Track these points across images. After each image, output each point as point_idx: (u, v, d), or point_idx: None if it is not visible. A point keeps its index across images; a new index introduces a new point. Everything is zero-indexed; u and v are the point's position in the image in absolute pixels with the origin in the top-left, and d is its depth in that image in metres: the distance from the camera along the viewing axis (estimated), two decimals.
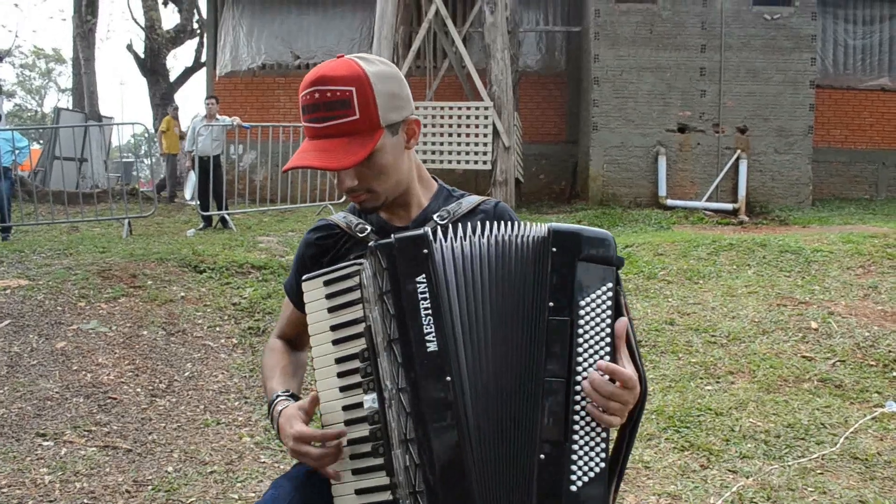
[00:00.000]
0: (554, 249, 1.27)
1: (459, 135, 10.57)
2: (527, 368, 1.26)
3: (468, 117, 10.57)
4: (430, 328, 1.24)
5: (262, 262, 6.32)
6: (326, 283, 1.37)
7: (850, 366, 4.51)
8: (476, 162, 10.55)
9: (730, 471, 3.33)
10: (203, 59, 18.14)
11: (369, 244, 1.31)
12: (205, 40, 17.21)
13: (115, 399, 4.06)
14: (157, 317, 5.07)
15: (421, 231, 1.29)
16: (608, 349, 1.25)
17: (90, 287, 5.36)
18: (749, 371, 4.49)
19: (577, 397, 1.24)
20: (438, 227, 1.37)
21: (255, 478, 3.31)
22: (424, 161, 10.08)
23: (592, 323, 1.26)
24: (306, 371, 1.66)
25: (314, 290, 1.39)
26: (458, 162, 10.58)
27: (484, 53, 11.22)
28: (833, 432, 3.69)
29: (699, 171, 12.07)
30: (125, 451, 3.54)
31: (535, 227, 1.31)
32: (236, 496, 3.13)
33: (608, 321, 1.26)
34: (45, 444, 3.54)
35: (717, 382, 4.36)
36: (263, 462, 3.50)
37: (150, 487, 3.19)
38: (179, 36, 19.48)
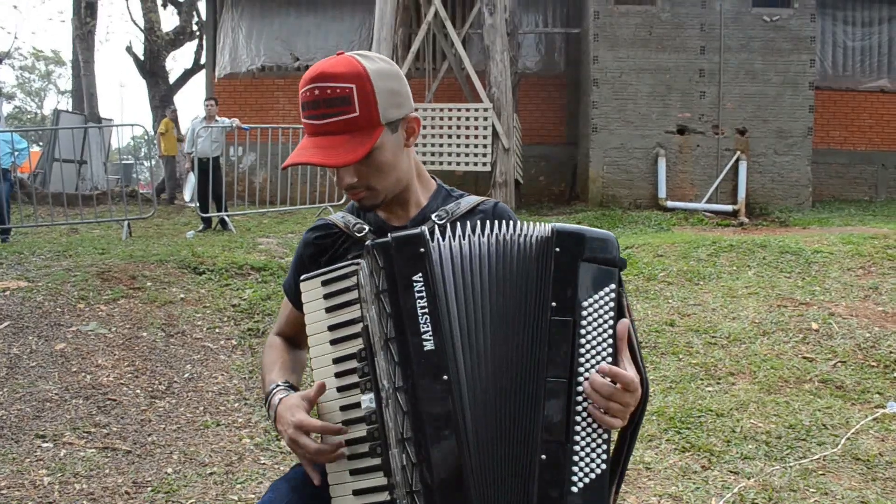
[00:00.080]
0: (557, 249, 1.26)
1: (459, 136, 10.57)
2: (527, 368, 1.25)
3: (467, 119, 10.56)
4: (427, 327, 1.23)
5: (262, 264, 6.31)
6: (324, 283, 1.37)
7: (851, 367, 4.50)
8: (475, 164, 10.55)
9: (731, 472, 3.32)
10: (202, 60, 18.14)
11: (366, 243, 1.30)
12: (204, 42, 17.21)
13: (114, 400, 4.05)
14: (156, 318, 5.06)
15: (418, 230, 1.29)
16: (610, 350, 1.25)
17: (89, 289, 5.35)
18: (750, 372, 4.48)
19: (579, 398, 1.23)
20: (436, 227, 1.36)
21: (254, 479, 3.29)
22: (424, 163, 10.06)
23: (595, 324, 1.25)
24: (305, 369, 1.65)
25: (312, 291, 1.39)
26: (458, 164, 10.57)
27: (483, 55, 11.22)
28: (834, 433, 3.68)
29: (699, 173, 12.07)
30: (124, 452, 3.53)
31: (538, 227, 1.30)
32: (236, 497, 3.12)
33: (610, 322, 1.26)
34: (45, 445, 3.53)
35: (718, 383, 4.36)
36: (263, 464, 3.49)
37: (149, 489, 3.18)
38: (179, 38, 19.48)
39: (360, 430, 1.29)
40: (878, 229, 8.16)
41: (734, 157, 11.94)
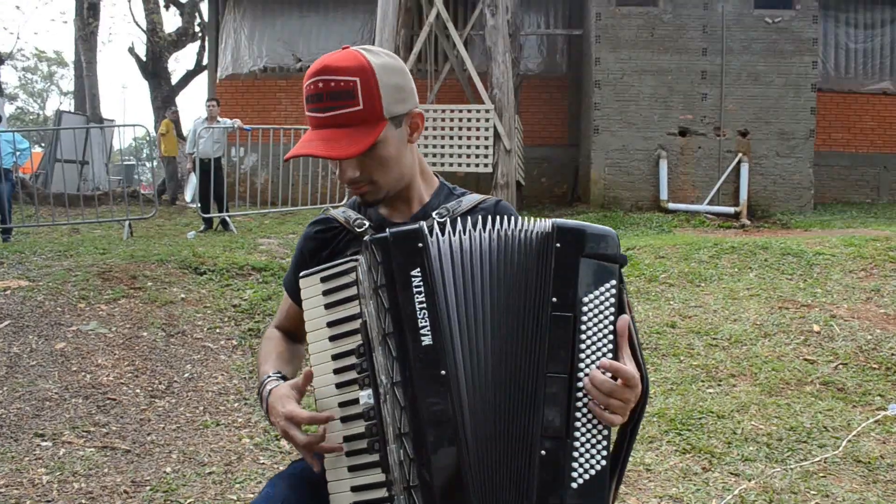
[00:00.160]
0: (558, 245, 1.25)
1: (460, 137, 10.56)
2: (527, 364, 1.24)
3: (469, 120, 10.56)
4: (425, 322, 1.22)
5: (263, 264, 6.30)
6: (323, 280, 1.36)
7: (852, 369, 4.49)
8: (477, 165, 10.54)
9: (732, 473, 3.31)
10: (205, 62, 18.16)
11: (364, 238, 1.30)
12: (206, 43, 17.23)
13: (114, 400, 4.04)
14: (156, 318, 5.05)
15: (416, 225, 1.28)
16: (610, 346, 1.24)
17: (90, 288, 5.35)
18: (751, 374, 4.47)
19: (579, 394, 1.22)
20: (436, 223, 1.35)
21: (253, 479, 3.29)
22: None
23: (595, 320, 1.24)
24: (303, 363, 1.64)
25: (311, 287, 1.38)
26: (459, 164, 10.57)
27: (485, 56, 11.21)
28: (836, 435, 3.67)
29: (700, 175, 12.06)
30: (124, 451, 3.52)
31: (539, 223, 1.30)
32: (235, 497, 3.12)
33: (611, 318, 1.25)
34: (44, 444, 3.52)
35: (719, 385, 4.34)
36: (263, 463, 3.48)
37: (148, 488, 3.18)
38: (181, 39, 19.49)
39: (359, 427, 1.29)
40: (880, 231, 8.14)
41: (736, 159, 11.92)
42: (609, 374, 1.21)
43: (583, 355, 1.23)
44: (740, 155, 11.94)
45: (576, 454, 1.21)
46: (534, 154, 13.79)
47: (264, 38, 14.62)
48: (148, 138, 13.37)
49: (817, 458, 3.42)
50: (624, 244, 7.38)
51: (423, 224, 1.28)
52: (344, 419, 1.31)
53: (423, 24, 11.14)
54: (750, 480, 3.22)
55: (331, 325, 1.34)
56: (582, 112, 13.44)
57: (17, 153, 9.84)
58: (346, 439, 1.30)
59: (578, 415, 1.22)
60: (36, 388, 4.05)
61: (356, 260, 1.32)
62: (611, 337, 1.25)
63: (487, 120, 10.47)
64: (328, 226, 1.57)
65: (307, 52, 14.50)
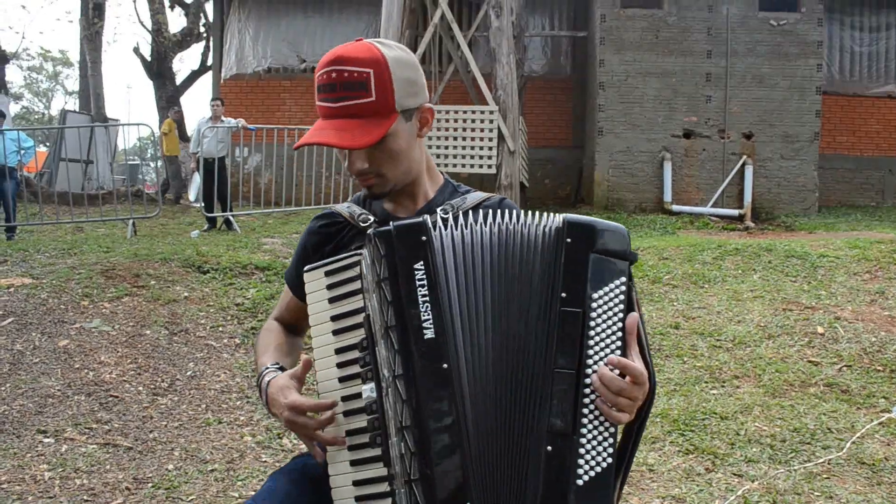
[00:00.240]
0: (568, 240, 1.25)
1: (464, 139, 10.56)
2: (533, 358, 1.23)
3: (473, 121, 10.55)
4: (428, 315, 1.22)
5: (266, 264, 6.31)
6: (327, 274, 1.36)
7: (856, 371, 4.47)
8: (481, 166, 10.54)
9: (735, 474, 3.29)
10: (209, 62, 18.19)
11: (367, 232, 1.29)
12: (211, 44, 17.25)
13: (116, 397, 4.04)
14: (160, 316, 5.05)
15: (420, 219, 1.27)
16: (619, 343, 1.23)
17: (94, 286, 5.35)
18: (755, 375, 4.46)
19: (587, 390, 1.21)
20: (440, 218, 1.35)
21: (255, 476, 3.28)
22: None
23: (604, 316, 1.23)
24: (301, 356, 1.64)
25: (315, 281, 1.38)
26: (463, 165, 10.56)
27: (489, 58, 11.20)
28: (840, 437, 3.65)
29: (705, 177, 12.04)
30: (126, 448, 3.52)
31: (549, 218, 1.29)
32: (237, 494, 3.11)
33: (620, 315, 1.24)
34: (46, 440, 3.52)
35: (723, 386, 4.33)
36: (265, 461, 3.47)
37: (150, 485, 3.17)
38: (186, 39, 19.53)
39: (361, 421, 1.28)
40: (884, 234, 8.12)
41: (740, 162, 11.91)
42: (617, 371, 1.20)
43: (591, 352, 1.22)
44: (745, 157, 11.92)
45: (582, 451, 1.20)
46: (538, 155, 13.78)
47: (269, 38, 14.64)
48: (152, 138, 13.38)
49: (821, 460, 3.41)
50: None
51: (427, 217, 1.28)
52: (346, 413, 1.30)
53: (428, 26, 11.14)
54: (753, 481, 3.21)
55: (334, 319, 1.34)
56: (586, 114, 13.43)
57: (22, 151, 9.86)
58: (349, 433, 1.30)
59: (585, 411, 1.21)
60: (39, 385, 4.05)
61: (360, 254, 1.31)
62: (619, 334, 1.24)
63: (491, 121, 10.46)
64: (332, 220, 1.56)
65: (312, 52, 14.51)
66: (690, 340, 4.99)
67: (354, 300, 1.32)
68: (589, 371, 1.22)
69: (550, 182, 14.04)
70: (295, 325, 1.63)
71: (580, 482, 1.19)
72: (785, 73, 12.00)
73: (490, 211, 1.31)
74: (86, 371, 4.27)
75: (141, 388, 4.18)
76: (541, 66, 14.38)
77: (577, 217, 1.27)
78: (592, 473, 1.20)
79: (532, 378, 1.23)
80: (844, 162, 13.63)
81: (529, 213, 1.31)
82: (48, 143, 21.41)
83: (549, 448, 1.20)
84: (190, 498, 3.08)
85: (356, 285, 1.31)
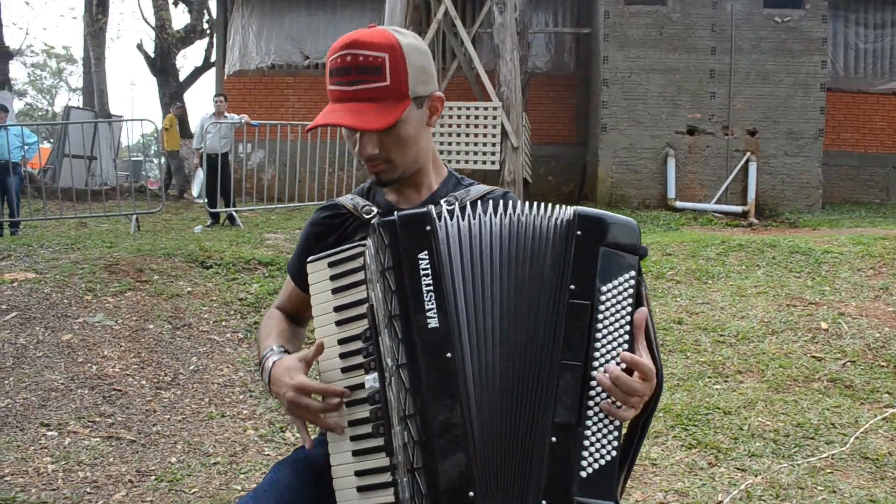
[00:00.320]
0: (579, 233, 1.24)
1: (468, 135, 10.55)
2: (540, 350, 1.23)
3: (477, 117, 10.54)
4: (432, 305, 1.21)
5: (269, 259, 6.31)
6: (331, 265, 1.36)
7: (860, 366, 4.46)
8: (484, 162, 10.53)
9: (738, 469, 3.29)
10: (213, 58, 18.20)
11: (372, 221, 1.29)
12: (214, 40, 17.26)
13: (119, 391, 4.05)
14: (163, 311, 5.06)
15: (424, 209, 1.27)
16: (626, 338, 1.23)
17: (97, 281, 5.36)
18: (758, 370, 4.45)
19: (593, 383, 1.21)
20: (444, 208, 1.34)
21: (258, 470, 3.29)
22: None
23: (613, 310, 1.23)
24: (302, 346, 1.64)
25: (318, 272, 1.37)
26: (467, 161, 10.55)
27: (493, 54, 11.18)
28: (843, 432, 3.64)
29: (708, 174, 12.01)
30: (129, 441, 3.53)
31: (559, 210, 1.28)
32: (239, 487, 3.11)
33: (628, 309, 1.24)
34: (49, 433, 3.53)
35: (726, 381, 4.32)
36: (267, 455, 3.48)
37: (152, 478, 3.18)
38: (189, 36, 19.56)
39: (364, 411, 1.28)
40: (889, 230, 8.10)
41: (744, 158, 11.88)
42: (623, 366, 1.20)
43: (598, 345, 1.22)
44: (748, 154, 11.89)
45: (586, 443, 1.20)
46: (541, 152, 13.77)
47: (272, 35, 14.64)
48: (155, 135, 13.39)
49: (824, 455, 3.40)
50: None
51: (432, 207, 1.27)
52: (349, 404, 1.30)
53: (431, 22, 11.12)
54: (756, 476, 3.20)
55: (337, 309, 1.33)
56: (590, 110, 13.41)
57: (26, 147, 9.88)
58: (351, 424, 1.29)
59: (591, 403, 1.21)
60: (42, 379, 4.06)
61: (364, 245, 1.31)
62: (627, 328, 1.23)
63: (495, 117, 10.45)
64: (336, 212, 1.56)
65: (315, 49, 14.51)
66: (694, 336, 4.98)
67: (358, 291, 1.31)
68: (596, 364, 1.21)
69: (554, 179, 14.02)
70: (297, 315, 1.63)
71: (584, 474, 1.19)
72: (789, 69, 11.97)
73: (501, 202, 1.31)
74: (89, 365, 4.28)
75: (144, 382, 4.19)
76: (544, 62, 14.36)
77: (588, 210, 1.27)
78: (596, 466, 1.20)
79: (538, 369, 1.22)
80: (849, 159, 13.59)
81: (540, 204, 1.31)
82: (52, 140, 21.43)
83: (554, 439, 1.19)
84: (193, 490, 3.08)
85: (359, 276, 1.31)
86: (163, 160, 16.29)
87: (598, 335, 1.22)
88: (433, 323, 1.21)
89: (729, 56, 11.96)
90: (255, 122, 10.36)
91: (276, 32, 14.63)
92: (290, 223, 9.83)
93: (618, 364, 1.20)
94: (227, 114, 10.20)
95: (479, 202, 1.42)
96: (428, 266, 1.23)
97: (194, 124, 12.99)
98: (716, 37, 11.99)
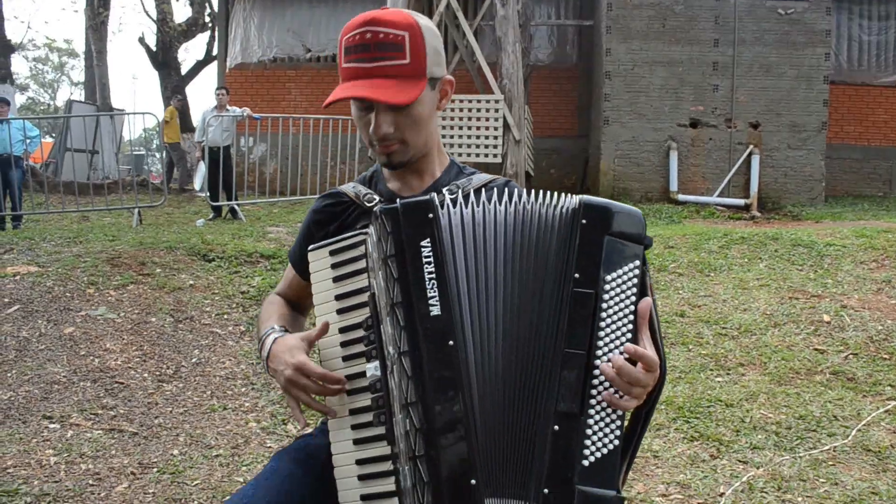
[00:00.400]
0: (584, 222, 1.24)
1: (470, 128, 10.53)
2: (543, 338, 1.22)
3: (479, 110, 10.52)
4: (434, 292, 1.21)
5: (271, 252, 6.31)
6: (332, 253, 1.35)
7: (862, 359, 4.46)
8: (486, 155, 10.51)
9: (740, 461, 3.29)
10: (214, 52, 18.18)
11: (374, 209, 1.28)
12: (216, 33, 17.23)
13: (121, 384, 4.05)
14: (165, 304, 5.06)
15: (427, 196, 1.26)
16: (630, 328, 1.22)
17: (99, 274, 5.36)
18: (760, 363, 4.44)
19: (596, 371, 1.21)
20: (447, 196, 1.33)
21: (260, 462, 3.29)
22: None
23: (617, 299, 1.22)
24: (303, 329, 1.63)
25: (320, 260, 1.37)
26: (469, 154, 10.53)
27: (495, 47, 11.16)
28: (845, 424, 3.64)
29: (711, 167, 11.99)
30: (131, 434, 3.53)
31: (564, 198, 1.28)
32: (241, 479, 3.12)
33: (633, 299, 1.23)
34: (52, 426, 3.54)
35: (728, 374, 4.32)
36: (269, 447, 3.48)
37: (155, 470, 3.18)
38: (191, 29, 19.53)
39: (365, 400, 1.28)
40: (892, 223, 8.08)
41: (747, 151, 11.85)
42: (625, 356, 1.19)
43: (602, 333, 1.21)
44: (751, 147, 11.86)
45: (589, 432, 1.19)
46: (543, 145, 13.75)
47: (274, 28, 14.61)
48: (157, 129, 13.39)
49: (826, 447, 3.40)
50: None
51: (434, 195, 1.27)
52: (350, 392, 1.30)
53: (433, 14, 11.09)
54: (758, 468, 3.20)
55: (339, 298, 1.33)
56: (592, 103, 13.37)
57: (28, 141, 9.88)
58: (352, 412, 1.29)
59: (594, 392, 1.20)
60: (45, 372, 4.07)
61: (366, 233, 1.30)
62: (631, 318, 1.23)
63: (497, 110, 10.43)
64: (338, 199, 1.56)
65: (317, 42, 14.48)
66: (696, 328, 4.97)
67: (359, 279, 1.31)
68: (599, 353, 1.21)
69: (556, 172, 14.00)
70: (297, 303, 1.63)
71: (586, 463, 1.19)
72: (792, 62, 11.92)
73: (505, 190, 1.31)
74: (91, 358, 4.28)
75: (146, 375, 4.19)
76: (546, 55, 14.32)
77: (594, 199, 1.26)
78: (599, 455, 1.19)
79: (542, 358, 1.22)
80: (852, 152, 13.55)
81: (545, 193, 1.30)
82: (54, 134, 21.44)
83: (557, 428, 1.19)
84: (195, 482, 3.09)
85: (361, 264, 1.30)
86: (164, 154, 16.28)
87: (602, 324, 1.21)
88: (435, 311, 1.21)
89: (732, 48, 11.92)
90: (256, 116, 10.35)
91: (277, 25, 14.60)
92: (292, 216, 9.83)
93: (621, 354, 1.20)
94: (228, 107, 10.20)
95: (482, 190, 1.42)
96: (430, 254, 1.22)
97: (196, 118, 12.98)
98: (719, 29, 11.94)
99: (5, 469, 3.09)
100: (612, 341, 1.22)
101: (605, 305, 1.22)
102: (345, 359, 1.32)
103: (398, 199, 1.27)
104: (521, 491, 1.19)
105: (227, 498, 1.36)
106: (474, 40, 10.93)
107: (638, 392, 1.20)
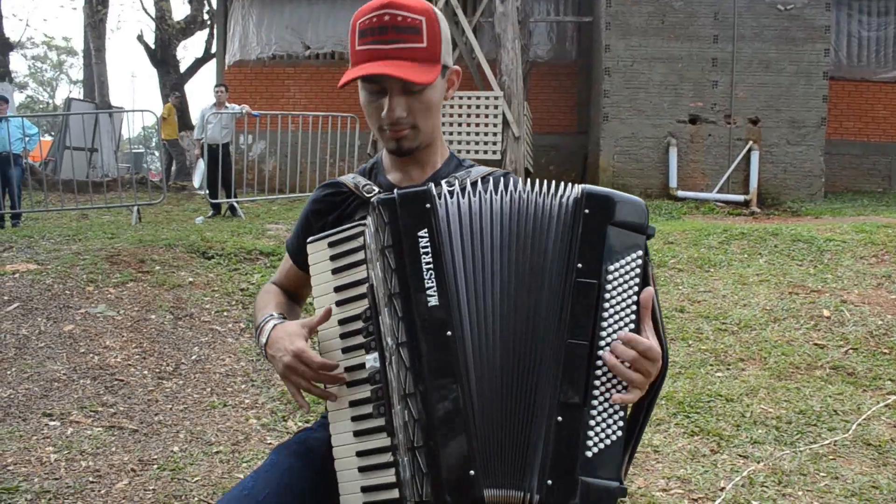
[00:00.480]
0: (587, 211, 1.23)
1: (469, 124, 10.53)
2: (545, 329, 1.22)
3: (478, 107, 10.52)
4: (432, 283, 1.20)
5: (270, 249, 6.31)
6: (331, 245, 1.35)
7: (862, 354, 4.45)
8: (486, 151, 10.51)
9: (740, 456, 3.29)
10: (213, 50, 18.17)
11: (371, 199, 1.28)
12: (215, 30, 17.21)
13: (121, 381, 4.05)
14: (164, 301, 5.06)
15: (424, 186, 1.26)
16: (633, 318, 1.22)
17: (98, 272, 5.35)
18: (760, 358, 4.44)
19: (599, 362, 1.20)
20: (445, 187, 1.33)
21: (260, 458, 3.29)
22: None
23: (619, 289, 1.22)
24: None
25: (319, 252, 1.37)
26: (468, 151, 10.53)
27: (494, 43, 11.16)
28: (845, 419, 3.64)
29: (710, 163, 11.98)
30: (131, 431, 3.53)
31: (566, 188, 1.27)
32: (241, 476, 3.12)
33: (635, 289, 1.23)
34: (52, 423, 3.53)
35: (728, 369, 4.32)
36: (269, 444, 3.48)
37: (155, 466, 3.18)
38: (190, 27, 19.51)
39: (365, 392, 1.27)
40: (891, 219, 8.07)
41: (746, 147, 11.84)
42: (629, 345, 1.19)
43: (605, 324, 1.21)
44: (751, 143, 11.85)
45: (592, 423, 1.19)
46: (542, 142, 13.73)
47: (272, 25, 14.58)
48: (157, 126, 13.38)
49: (827, 442, 3.40)
50: None
51: (431, 185, 1.26)
52: (350, 384, 1.30)
53: None
54: (759, 462, 3.20)
55: (338, 290, 1.33)
56: (591, 99, 13.36)
57: (27, 139, 9.87)
58: (352, 404, 1.29)
59: (597, 383, 1.20)
60: (44, 370, 4.06)
61: (364, 224, 1.30)
62: (634, 308, 1.22)
63: (496, 107, 10.42)
64: (337, 189, 1.56)
65: (315, 39, 14.46)
66: (696, 324, 4.97)
67: (358, 271, 1.30)
68: (602, 343, 1.20)
69: (555, 168, 13.99)
70: (294, 293, 1.63)
71: (589, 454, 1.19)
72: (792, 57, 11.91)
73: (502, 180, 1.30)
74: (91, 355, 4.28)
75: (146, 372, 4.19)
76: (546, 51, 14.30)
77: (597, 188, 1.26)
78: (602, 446, 1.19)
79: (543, 348, 1.21)
80: (851, 147, 13.54)
81: (543, 182, 1.30)
82: (53, 133, 21.42)
83: (560, 418, 1.19)
84: (195, 479, 3.09)
85: (360, 256, 1.30)
86: (163, 152, 16.27)
87: (605, 314, 1.21)
88: (433, 301, 1.20)
89: (731, 44, 11.90)
90: (255, 113, 10.34)
91: (276, 23, 14.57)
92: (292, 214, 9.83)
93: (623, 343, 1.20)
94: (227, 104, 10.19)
95: (479, 181, 1.42)
96: (428, 244, 1.22)
97: (194, 115, 12.96)
98: (718, 25, 11.92)
99: (5, 466, 3.09)
100: (614, 331, 1.21)
101: (607, 296, 1.21)
102: (344, 350, 1.31)
103: (395, 190, 1.27)
104: (521, 482, 1.19)
105: (227, 491, 1.36)
106: (473, 37, 10.93)
107: (637, 379, 1.19)
